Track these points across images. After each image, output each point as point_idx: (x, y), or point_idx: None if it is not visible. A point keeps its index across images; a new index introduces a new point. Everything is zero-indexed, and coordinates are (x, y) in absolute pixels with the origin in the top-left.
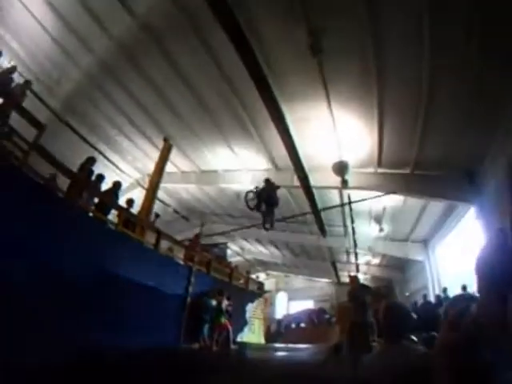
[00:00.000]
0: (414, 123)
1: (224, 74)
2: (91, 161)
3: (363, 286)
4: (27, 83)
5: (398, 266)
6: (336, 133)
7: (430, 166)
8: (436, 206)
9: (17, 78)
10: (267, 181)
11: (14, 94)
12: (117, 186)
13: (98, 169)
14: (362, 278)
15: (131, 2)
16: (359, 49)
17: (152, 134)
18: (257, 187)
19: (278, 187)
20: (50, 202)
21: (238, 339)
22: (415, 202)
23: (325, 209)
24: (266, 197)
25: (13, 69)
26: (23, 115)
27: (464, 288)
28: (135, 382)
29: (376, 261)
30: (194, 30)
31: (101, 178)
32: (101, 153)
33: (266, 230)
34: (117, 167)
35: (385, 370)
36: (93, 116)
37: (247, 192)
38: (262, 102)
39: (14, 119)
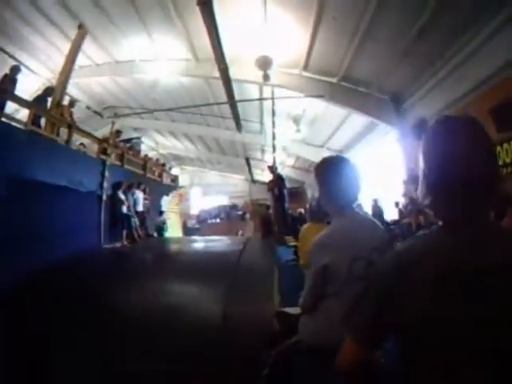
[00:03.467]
0: (351, 37)
1: None
2: (16, 69)
3: (281, 176)
4: None
5: (311, 170)
6: (266, 27)
7: (358, 82)
8: (357, 120)
9: None
10: None
11: None
12: (15, 70)
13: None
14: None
15: None
16: None
17: (67, 26)
18: None
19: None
20: None
21: (155, 233)
22: (336, 112)
23: (243, 100)
24: None
25: None
26: None
27: (375, 201)
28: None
29: (290, 162)
30: None
31: (17, 69)
32: (11, 56)
33: None
34: (28, 69)
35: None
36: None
37: None
38: None
39: None
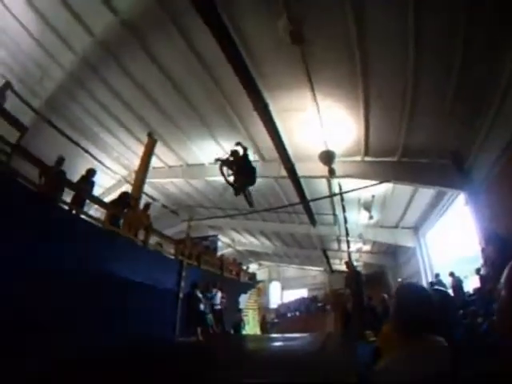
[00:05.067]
0: (400, 111)
1: (207, 69)
2: (92, 172)
3: (358, 272)
4: (7, 85)
5: (390, 252)
6: (321, 122)
7: (417, 154)
8: (425, 193)
9: None
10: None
11: None
12: (91, 173)
13: (83, 167)
14: (355, 265)
15: None
16: (343, 39)
17: (137, 129)
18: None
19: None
20: (33, 203)
21: (232, 330)
22: (404, 189)
23: (314, 200)
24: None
25: None
26: (5, 118)
27: (452, 274)
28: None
29: (367, 248)
30: (176, 27)
31: (93, 172)
32: (86, 151)
33: (251, 206)
34: (102, 164)
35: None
36: (76, 114)
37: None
38: (246, 95)
39: None
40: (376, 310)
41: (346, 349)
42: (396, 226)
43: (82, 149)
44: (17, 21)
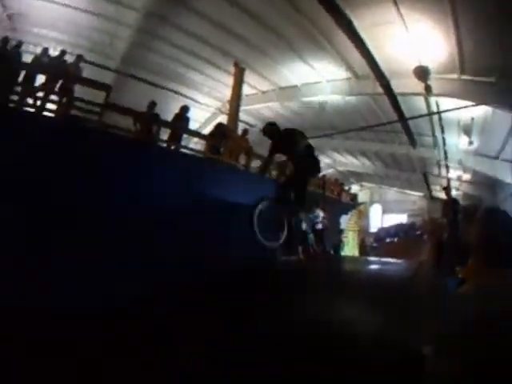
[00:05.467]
0: (492, 21)
1: None
2: (186, 109)
3: (455, 199)
4: (79, 58)
5: (489, 185)
6: (410, 36)
7: None
8: None
9: (70, 59)
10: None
11: (70, 71)
12: (184, 109)
13: (177, 107)
14: (453, 194)
15: None
16: None
17: (222, 63)
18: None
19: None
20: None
21: (332, 250)
22: (504, 116)
23: (411, 118)
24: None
25: (62, 53)
26: (88, 85)
27: None
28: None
29: (467, 176)
30: None
31: (186, 109)
32: (175, 92)
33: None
34: (195, 101)
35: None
36: (157, 62)
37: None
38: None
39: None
40: (468, 246)
41: (436, 278)
42: (496, 157)
43: (171, 90)
44: (74, 9)
